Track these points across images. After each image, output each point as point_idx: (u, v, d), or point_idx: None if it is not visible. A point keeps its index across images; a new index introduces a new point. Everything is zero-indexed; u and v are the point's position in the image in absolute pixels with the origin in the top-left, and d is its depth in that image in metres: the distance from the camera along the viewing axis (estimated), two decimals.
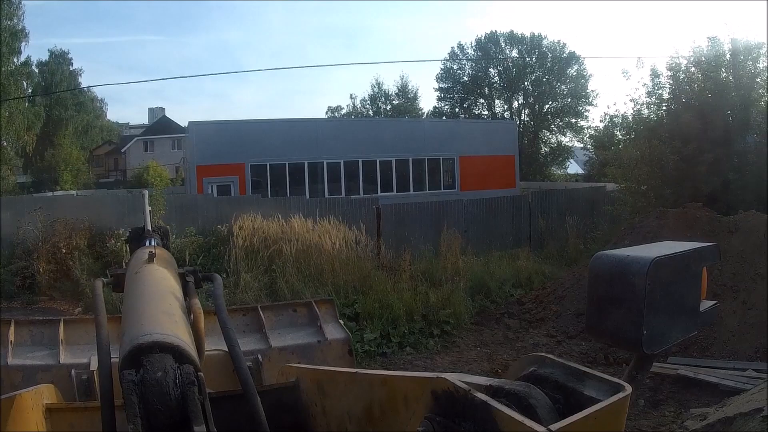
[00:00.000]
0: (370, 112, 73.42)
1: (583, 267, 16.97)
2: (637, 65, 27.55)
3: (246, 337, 3.67)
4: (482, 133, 40.75)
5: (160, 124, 73.09)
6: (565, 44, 66.32)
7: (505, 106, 67.72)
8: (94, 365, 3.18)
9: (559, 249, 22.34)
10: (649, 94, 23.03)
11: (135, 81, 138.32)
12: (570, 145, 65.61)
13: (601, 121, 27.69)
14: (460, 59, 68.09)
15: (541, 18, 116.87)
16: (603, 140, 27.87)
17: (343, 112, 76.50)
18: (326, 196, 31.65)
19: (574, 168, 66.13)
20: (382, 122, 49.81)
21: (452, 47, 71.31)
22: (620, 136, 25.54)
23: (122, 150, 71.11)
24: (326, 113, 77.22)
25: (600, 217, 23.84)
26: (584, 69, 64.95)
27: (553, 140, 66.96)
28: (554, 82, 65.71)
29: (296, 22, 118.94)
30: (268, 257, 16.38)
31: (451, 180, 37.97)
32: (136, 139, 72.05)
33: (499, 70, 67.49)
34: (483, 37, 66.91)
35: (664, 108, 22.68)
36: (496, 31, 66.53)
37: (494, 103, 68.39)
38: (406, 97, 73.24)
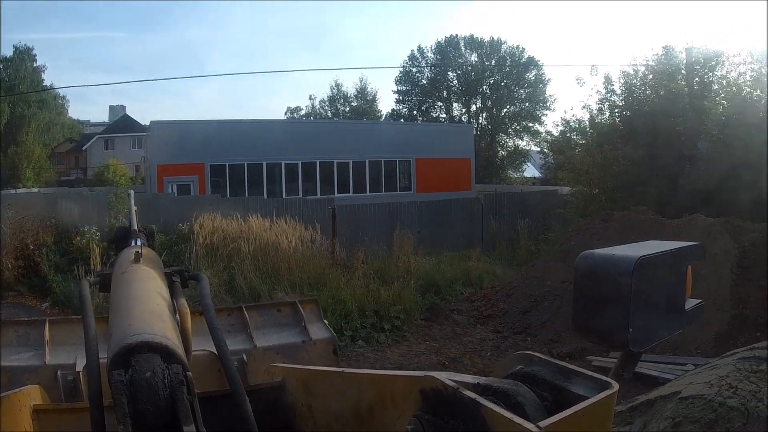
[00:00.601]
0: (329, 114, 73.10)
1: (530, 267, 17.51)
2: (591, 72, 27.63)
3: (231, 337, 3.57)
4: (439, 136, 41.13)
5: (121, 123, 71.93)
6: (524, 49, 67.05)
7: (463, 110, 68.11)
8: (80, 366, 3.10)
9: (510, 250, 22.66)
10: (601, 101, 23.41)
11: (98, 84, 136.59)
12: (527, 148, 65.84)
13: (557, 125, 27.95)
14: (420, 62, 68.24)
15: (502, 22, 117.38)
16: (560, 144, 28.31)
17: (303, 113, 75.99)
18: (284, 196, 31.65)
19: (531, 171, 66.53)
20: (340, 124, 50.12)
21: (412, 50, 71.30)
22: (576, 140, 25.46)
23: (83, 148, 69.95)
24: (285, 114, 76.90)
25: (552, 219, 24.31)
26: (543, 74, 65.55)
27: (510, 144, 67.36)
28: (512, 87, 66.14)
29: (259, 21, 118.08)
30: (227, 255, 16.74)
31: (408, 182, 38.29)
32: (97, 137, 70.88)
33: (458, 74, 67.68)
34: (443, 41, 67.25)
35: (617, 114, 23.10)
36: (456, 35, 67.12)
37: (452, 106, 68.75)
38: (365, 99, 73.10)
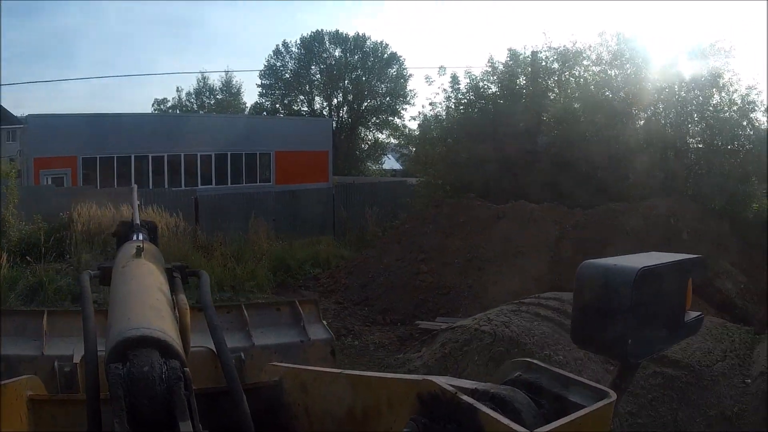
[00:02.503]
0: (195, 107, 71.76)
1: (371, 248, 19.53)
2: (439, 72, 28.79)
3: (229, 335, 3.50)
4: (298, 130, 42.33)
5: None
6: (387, 45, 67.18)
7: (325, 103, 68.24)
8: (77, 357, 3.10)
9: (359, 236, 24.06)
10: (448, 98, 24.39)
11: None
12: (387, 141, 66.52)
13: (414, 119, 29.14)
14: (284, 57, 68.03)
15: (367, 17, 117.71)
16: (415, 138, 29.49)
17: (169, 104, 73.63)
18: (151, 187, 32.27)
19: (391, 164, 67.39)
20: (203, 117, 51.14)
21: (277, 45, 70.35)
22: (433, 134, 26.15)
23: None
24: (153, 105, 74.36)
25: (400, 208, 25.42)
26: (404, 69, 66.24)
27: (370, 137, 68.16)
28: (374, 82, 66.72)
29: (129, 8, 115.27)
30: (104, 241, 17.79)
31: (268, 174, 39.43)
32: None
33: (321, 68, 67.40)
34: (308, 36, 66.77)
35: (462, 111, 24.13)
36: (321, 30, 66.58)
37: (314, 100, 68.63)
38: (230, 92, 72.33)
